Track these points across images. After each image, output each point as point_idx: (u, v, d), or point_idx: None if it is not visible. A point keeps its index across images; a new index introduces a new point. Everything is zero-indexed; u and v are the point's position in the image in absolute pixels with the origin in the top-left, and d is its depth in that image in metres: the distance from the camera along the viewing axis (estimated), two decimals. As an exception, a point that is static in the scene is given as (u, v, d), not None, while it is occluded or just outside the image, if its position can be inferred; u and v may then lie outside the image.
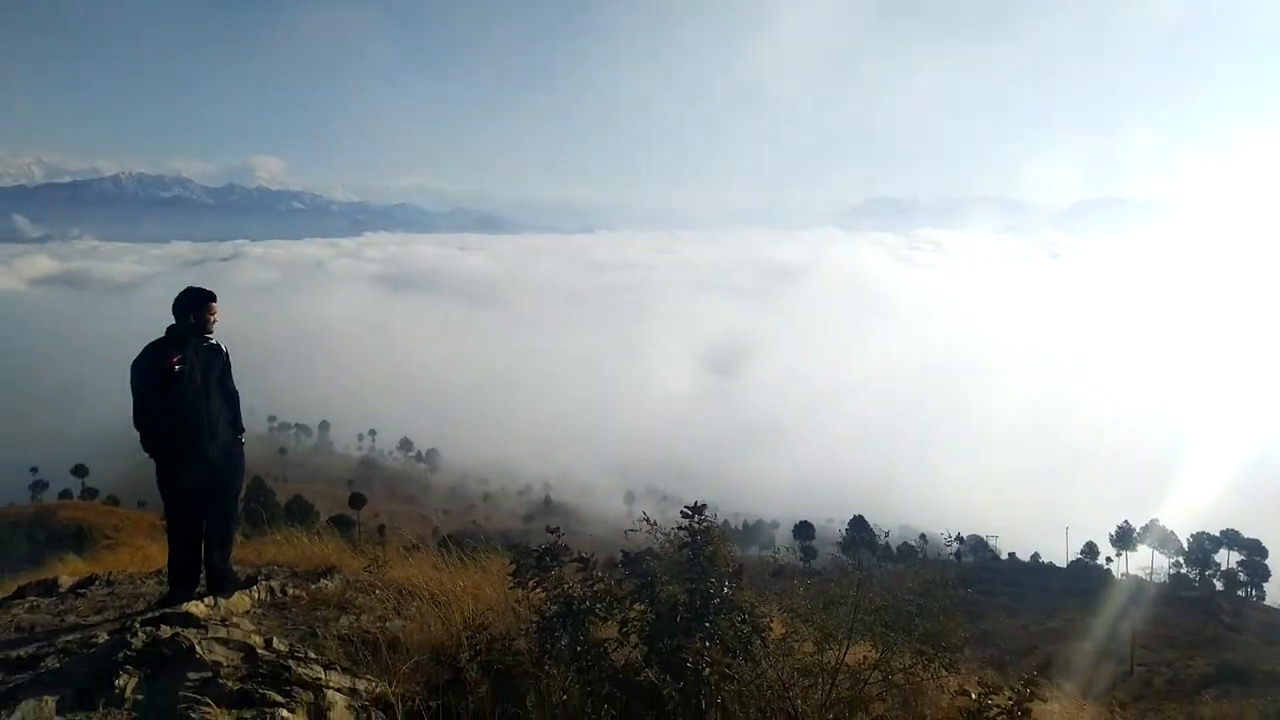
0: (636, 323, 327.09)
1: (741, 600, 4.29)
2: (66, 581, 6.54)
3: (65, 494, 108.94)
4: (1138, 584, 75.83)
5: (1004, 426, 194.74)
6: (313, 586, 6.31)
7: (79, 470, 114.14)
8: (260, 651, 4.30)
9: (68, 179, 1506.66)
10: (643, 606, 4.44)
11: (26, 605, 5.85)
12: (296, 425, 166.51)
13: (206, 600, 5.67)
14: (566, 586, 4.76)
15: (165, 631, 4.32)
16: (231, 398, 6.33)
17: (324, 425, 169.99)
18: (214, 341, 6.23)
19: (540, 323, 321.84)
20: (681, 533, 4.51)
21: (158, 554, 9.10)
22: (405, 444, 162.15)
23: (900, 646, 4.82)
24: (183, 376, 5.89)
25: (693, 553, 4.39)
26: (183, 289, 6.24)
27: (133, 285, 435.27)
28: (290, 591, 6.14)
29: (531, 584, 5.14)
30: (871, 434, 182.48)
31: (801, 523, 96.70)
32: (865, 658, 5.05)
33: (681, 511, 4.51)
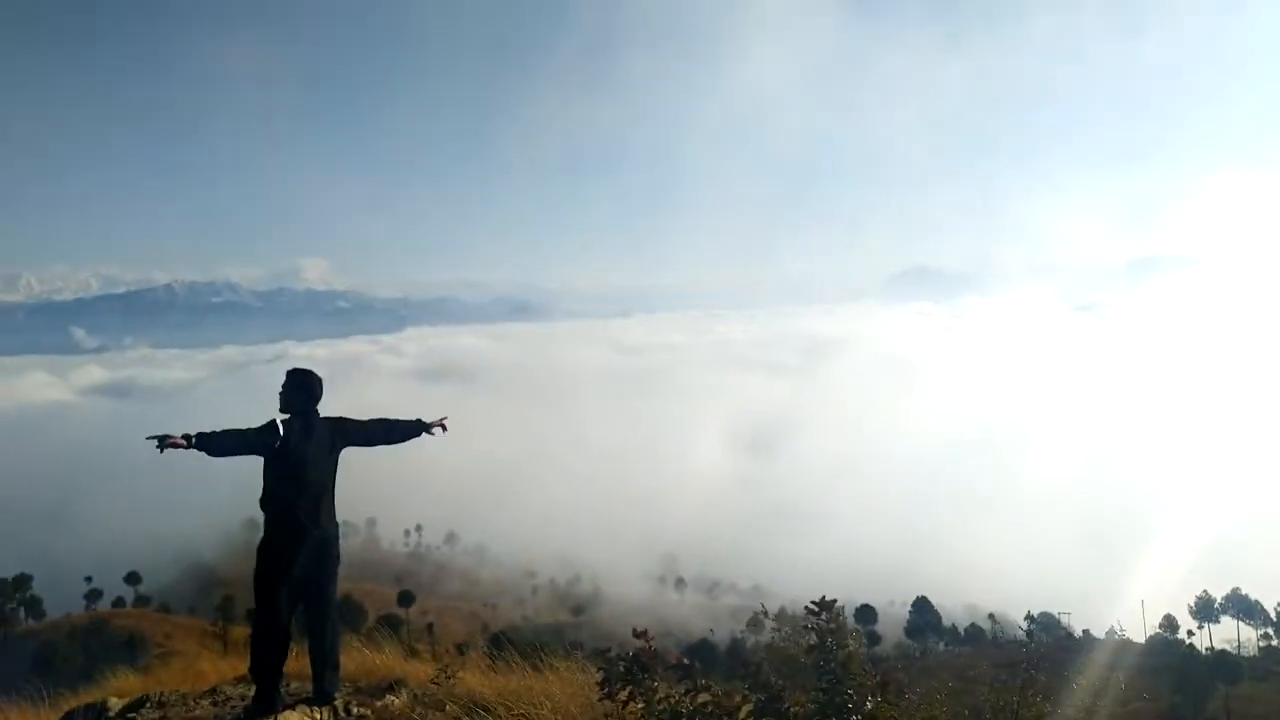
0: (674, 405, 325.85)
1: (886, 717, 3.64)
2: (115, 705, 6.08)
3: (119, 602, 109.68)
4: (1225, 659, 71.38)
5: (1061, 496, 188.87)
6: (378, 704, 5.77)
7: (131, 578, 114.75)
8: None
9: (123, 289, 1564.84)
10: (764, 723, 3.80)
11: (72, 736, 5.38)
12: (344, 523, 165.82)
13: (265, 725, 5.17)
14: (673, 700, 4.14)
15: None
16: None
17: (370, 521, 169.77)
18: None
19: (578, 409, 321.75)
20: (808, 632, 3.89)
21: (208, 668, 8.63)
22: (451, 538, 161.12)
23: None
24: None
25: (823, 658, 3.77)
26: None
27: (178, 391, 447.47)
28: (354, 710, 5.61)
29: (624, 696, 4.56)
30: (923, 510, 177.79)
31: (863, 606, 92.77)
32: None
33: (807, 607, 3.91)
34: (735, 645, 72.36)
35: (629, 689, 4.52)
